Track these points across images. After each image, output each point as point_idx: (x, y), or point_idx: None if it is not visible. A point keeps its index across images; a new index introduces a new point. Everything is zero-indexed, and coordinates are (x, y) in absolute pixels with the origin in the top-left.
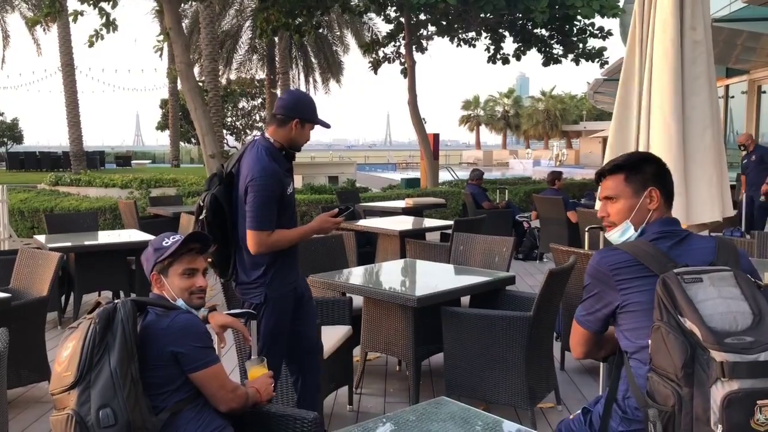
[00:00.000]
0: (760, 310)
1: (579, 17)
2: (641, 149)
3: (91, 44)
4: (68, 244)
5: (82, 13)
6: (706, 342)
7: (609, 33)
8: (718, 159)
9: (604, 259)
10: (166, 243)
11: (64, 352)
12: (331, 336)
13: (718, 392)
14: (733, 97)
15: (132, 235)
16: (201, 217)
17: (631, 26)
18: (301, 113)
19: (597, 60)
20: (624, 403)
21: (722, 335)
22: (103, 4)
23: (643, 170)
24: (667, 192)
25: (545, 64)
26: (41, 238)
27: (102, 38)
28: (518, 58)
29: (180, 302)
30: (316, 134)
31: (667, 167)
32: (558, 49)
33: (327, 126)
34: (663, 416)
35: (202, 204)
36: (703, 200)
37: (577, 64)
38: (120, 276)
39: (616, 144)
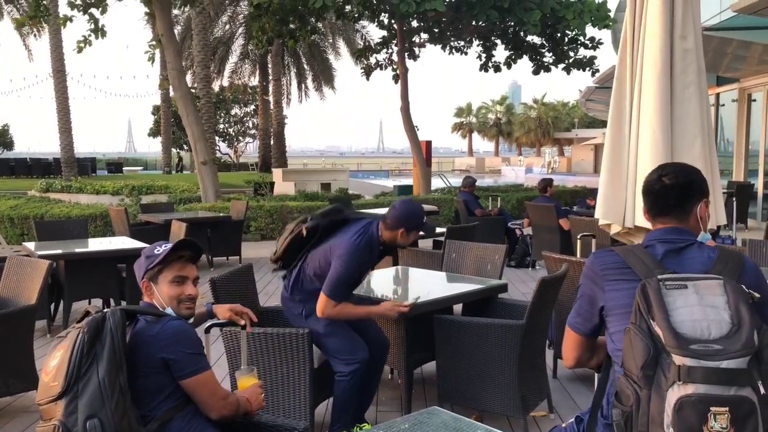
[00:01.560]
0: (740, 320)
1: (570, 29)
2: (632, 159)
3: (80, 50)
4: (58, 251)
5: (71, 19)
6: (668, 345)
7: (599, 43)
8: (708, 168)
9: (597, 260)
10: (158, 250)
11: (52, 361)
12: None
13: (673, 395)
14: (723, 105)
15: (123, 242)
16: (299, 229)
17: (622, 35)
18: (406, 224)
19: (588, 69)
20: (607, 408)
21: (689, 341)
22: (93, 10)
23: None
24: (648, 207)
25: (536, 72)
26: (30, 245)
27: (90, 44)
28: (509, 66)
29: (168, 310)
30: (309, 141)
31: (646, 182)
32: (549, 58)
33: (427, 231)
34: (623, 417)
35: (305, 221)
36: None
37: (568, 73)
38: (110, 284)
39: (612, 152)
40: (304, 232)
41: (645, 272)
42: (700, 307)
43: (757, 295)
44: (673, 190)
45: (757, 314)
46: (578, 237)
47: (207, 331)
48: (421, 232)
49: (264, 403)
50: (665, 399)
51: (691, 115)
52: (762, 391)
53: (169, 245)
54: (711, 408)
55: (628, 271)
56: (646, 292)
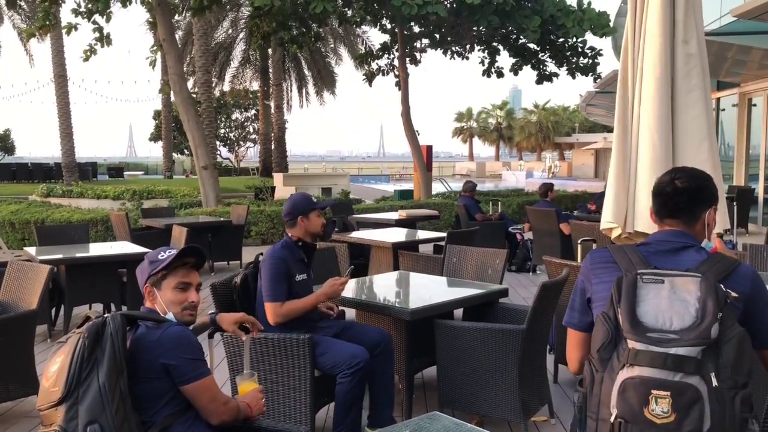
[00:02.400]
0: (704, 314)
1: (569, 37)
2: (633, 163)
3: (87, 58)
4: (59, 256)
5: (76, 27)
6: (625, 331)
7: (599, 53)
8: (714, 172)
9: (591, 257)
10: (162, 256)
11: (52, 367)
12: None
13: (620, 377)
14: (724, 110)
15: (124, 247)
16: (236, 290)
17: (624, 40)
18: (301, 210)
19: (591, 74)
20: None
21: (647, 329)
22: (97, 18)
23: None
24: (656, 208)
25: (539, 82)
26: (32, 250)
27: (96, 53)
28: (515, 73)
29: (170, 316)
30: (310, 146)
31: (658, 184)
32: (551, 66)
33: (324, 207)
34: (580, 398)
35: (236, 280)
36: None
37: (573, 77)
38: (111, 288)
39: (616, 157)
40: (239, 291)
41: (627, 267)
42: (669, 301)
43: (735, 294)
44: (685, 193)
45: (732, 312)
46: (579, 241)
47: (210, 336)
48: (320, 210)
49: (265, 408)
50: (614, 381)
51: (696, 120)
52: (714, 383)
53: (174, 251)
54: (652, 391)
55: (614, 265)
56: (620, 283)
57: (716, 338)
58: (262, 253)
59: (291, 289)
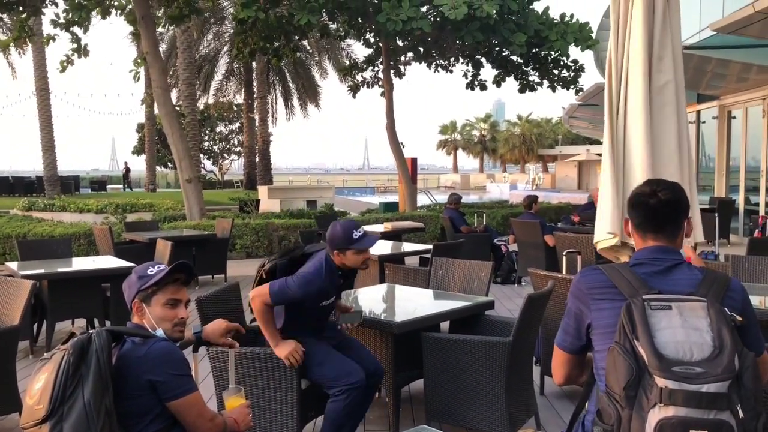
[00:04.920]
0: (722, 344)
1: (553, 50)
2: (620, 176)
3: (63, 69)
4: (41, 271)
5: (54, 38)
6: (650, 367)
7: (581, 67)
8: (687, 185)
9: (584, 278)
10: (152, 271)
11: (36, 384)
12: None
13: (654, 417)
14: (704, 122)
15: (107, 261)
16: (260, 274)
17: (608, 52)
18: (336, 245)
19: (572, 87)
20: (585, 422)
21: (671, 363)
22: (75, 29)
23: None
24: (639, 221)
25: (521, 90)
26: (13, 265)
27: (72, 63)
28: (498, 85)
29: (159, 332)
30: (294, 158)
31: (638, 196)
32: (534, 76)
33: (365, 248)
34: None
35: (265, 267)
36: None
37: (554, 91)
38: (95, 303)
39: (605, 170)
40: (264, 276)
41: (630, 292)
42: (683, 329)
43: (740, 318)
44: (669, 205)
45: (738, 337)
46: (564, 253)
47: (195, 350)
48: (359, 247)
49: (252, 423)
50: (646, 420)
51: (668, 134)
52: (741, 415)
53: (163, 266)
54: (690, 431)
55: (614, 290)
56: (631, 311)
57: (738, 370)
58: (302, 245)
59: (309, 307)
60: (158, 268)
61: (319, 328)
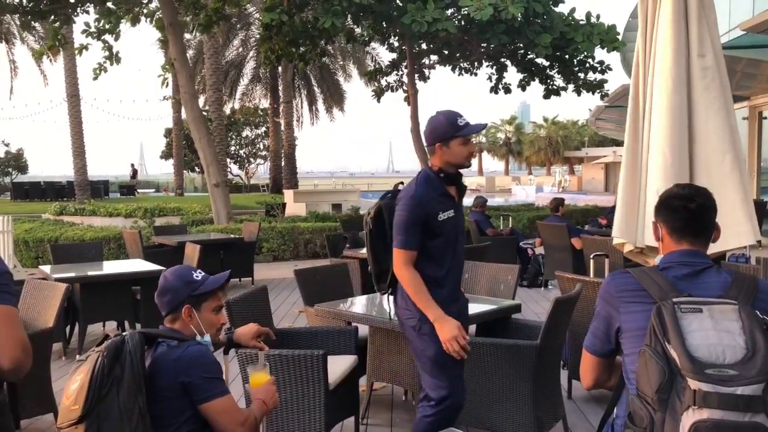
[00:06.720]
0: (755, 346)
1: (579, 51)
2: (643, 179)
3: (96, 77)
4: (73, 274)
5: (87, 47)
6: (683, 369)
7: (608, 67)
8: (740, 183)
9: (613, 281)
10: (198, 277)
11: (72, 385)
12: (337, 366)
13: (688, 420)
14: None
15: (137, 264)
16: (367, 223)
17: (635, 56)
18: (439, 136)
19: (598, 91)
20: (615, 426)
21: (704, 365)
22: (107, 37)
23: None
24: (677, 225)
25: (546, 96)
26: (46, 268)
27: (105, 71)
28: (523, 89)
29: (207, 338)
30: (318, 162)
31: (671, 200)
32: (559, 80)
33: (471, 133)
34: None
35: (370, 213)
36: (726, 227)
37: (579, 95)
38: (125, 306)
39: (627, 172)
40: (371, 224)
41: (660, 295)
42: (715, 332)
43: None
44: (708, 211)
45: None
46: (591, 257)
47: (225, 352)
48: (465, 137)
49: (278, 400)
50: (680, 423)
51: (718, 133)
52: None
53: (204, 273)
54: None
55: (644, 293)
56: (661, 314)
57: None
58: (402, 182)
59: (435, 231)
60: (202, 273)
61: (457, 266)
